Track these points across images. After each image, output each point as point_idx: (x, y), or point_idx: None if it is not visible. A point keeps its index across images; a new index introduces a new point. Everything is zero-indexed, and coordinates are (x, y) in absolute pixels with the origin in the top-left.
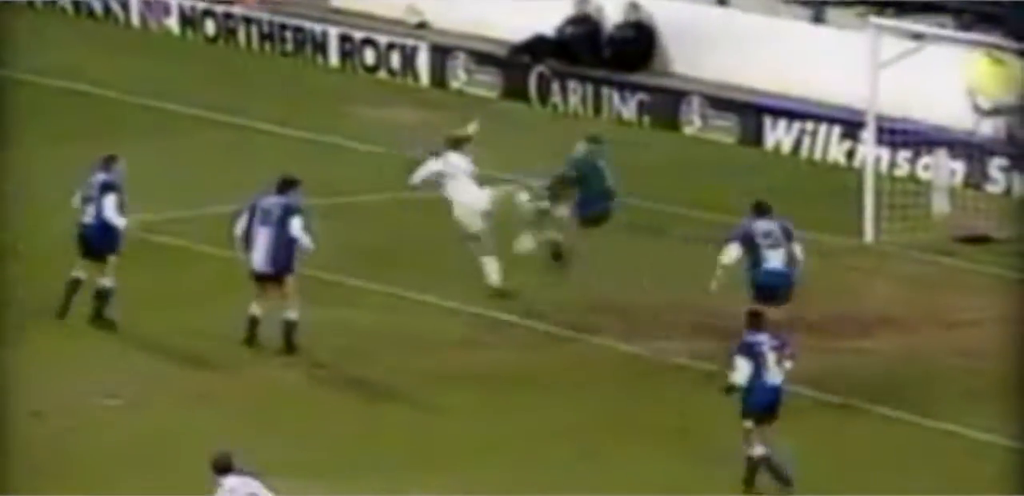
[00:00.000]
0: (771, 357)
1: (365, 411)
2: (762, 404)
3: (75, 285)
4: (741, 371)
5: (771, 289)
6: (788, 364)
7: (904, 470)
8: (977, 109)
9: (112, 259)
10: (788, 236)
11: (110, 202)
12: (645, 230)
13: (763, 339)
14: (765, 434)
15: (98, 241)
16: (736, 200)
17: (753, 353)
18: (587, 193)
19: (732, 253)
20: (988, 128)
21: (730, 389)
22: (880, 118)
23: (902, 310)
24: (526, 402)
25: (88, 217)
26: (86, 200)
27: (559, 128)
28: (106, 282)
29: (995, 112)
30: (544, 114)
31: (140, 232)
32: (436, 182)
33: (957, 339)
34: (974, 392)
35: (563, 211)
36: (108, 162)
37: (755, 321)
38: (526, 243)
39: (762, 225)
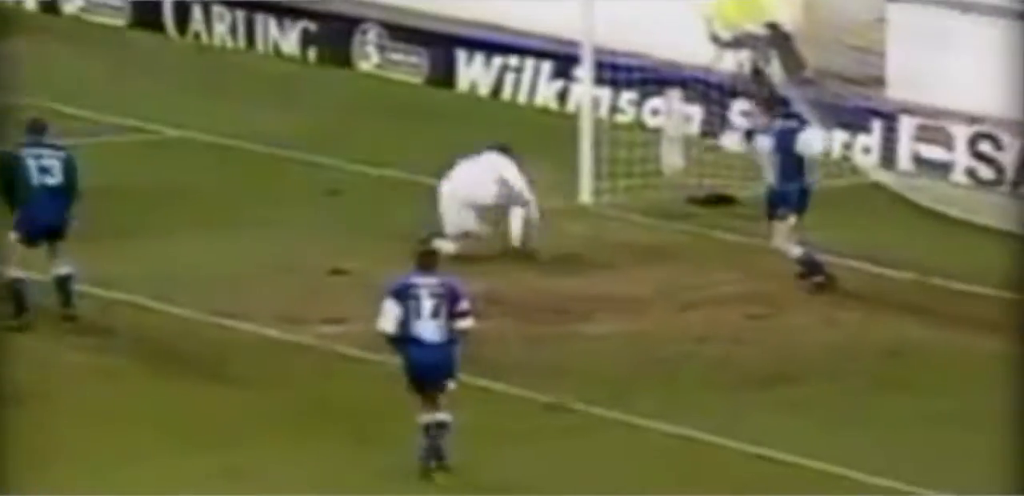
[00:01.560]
0: (427, 305)
1: None
2: (419, 363)
3: None
4: (388, 315)
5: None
6: (462, 323)
7: (624, 480)
8: (715, 40)
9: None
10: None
11: None
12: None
13: (423, 282)
14: (432, 402)
15: None
16: (422, 154)
17: (406, 296)
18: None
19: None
20: (729, 64)
21: (383, 334)
22: (598, 52)
23: (626, 287)
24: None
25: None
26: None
27: (203, 65)
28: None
29: (737, 44)
30: (184, 47)
31: None
32: None
33: (692, 322)
34: (714, 385)
35: None
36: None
37: (426, 261)
38: None
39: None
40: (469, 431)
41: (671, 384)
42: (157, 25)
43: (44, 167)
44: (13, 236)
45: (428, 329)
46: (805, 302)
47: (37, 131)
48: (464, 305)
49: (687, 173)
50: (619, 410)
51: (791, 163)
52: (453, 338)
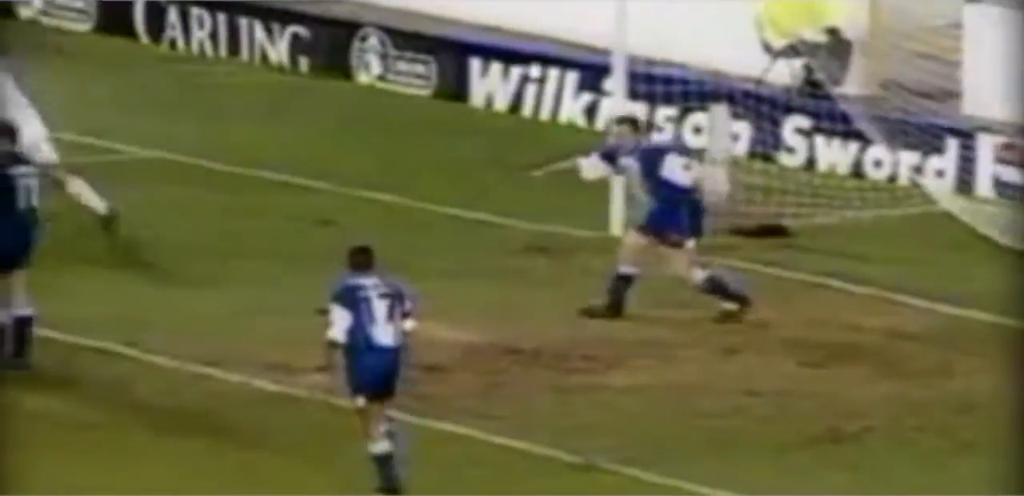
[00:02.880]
0: (380, 307)
1: None
2: (375, 371)
3: None
4: (340, 323)
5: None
6: (407, 324)
7: None
8: (767, 49)
9: None
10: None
11: None
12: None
13: (369, 283)
14: (380, 417)
15: None
16: (429, 177)
17: (355, 299)
18: None
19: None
20: (784, 75)
21: (332, 345)
22: (632, 61)
23: (662, 330)
24: None
25: None
26: None
27: (178, 75)
28: None
29: (791, 52)
30: (157, 54)
31: None
32: None
33: (736, 371)
34: (761, 444)
35: None
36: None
37: (360, 259)
38: None
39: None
40: (488, 494)
41: (713, 442)
42: (127, 30)
43: (29, 187)
44: None
45: (386, 333)
46: (864, 348)
47: (9, 137)
48: (410, 305)
49: (732, 200)
50: (655, 471)
51: (663, 186)
52: (404, 342)
